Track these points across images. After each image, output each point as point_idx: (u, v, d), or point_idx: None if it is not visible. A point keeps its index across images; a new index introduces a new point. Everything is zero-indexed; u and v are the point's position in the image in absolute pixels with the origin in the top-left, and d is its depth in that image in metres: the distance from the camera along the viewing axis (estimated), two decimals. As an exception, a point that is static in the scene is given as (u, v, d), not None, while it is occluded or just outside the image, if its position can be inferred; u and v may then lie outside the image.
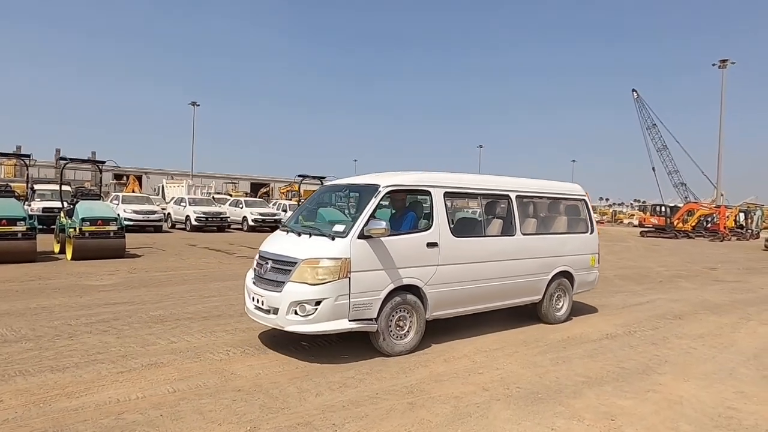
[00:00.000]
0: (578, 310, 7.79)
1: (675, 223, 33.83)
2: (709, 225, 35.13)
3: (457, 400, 4.10)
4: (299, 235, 5.38)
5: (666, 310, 8.22)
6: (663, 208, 36.62)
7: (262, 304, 5.18)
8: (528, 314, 7.21)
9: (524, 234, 6.57)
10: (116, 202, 21.49)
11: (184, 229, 22.76)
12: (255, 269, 5.63)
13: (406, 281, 5.26)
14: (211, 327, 6.13)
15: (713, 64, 45.35)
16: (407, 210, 5.81)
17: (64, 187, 16.42)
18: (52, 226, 14.09)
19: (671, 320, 7.50)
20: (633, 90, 55.41)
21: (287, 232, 5.66)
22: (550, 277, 6.89)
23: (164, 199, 33.16)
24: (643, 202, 64.39)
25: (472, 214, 8.07)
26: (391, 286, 5.14)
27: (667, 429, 3.70)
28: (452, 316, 5.92)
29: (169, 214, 24.37)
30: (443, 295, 5.62)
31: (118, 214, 18.20)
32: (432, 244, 5.49)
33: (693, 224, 34.21)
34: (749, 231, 35.39)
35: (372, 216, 5.11)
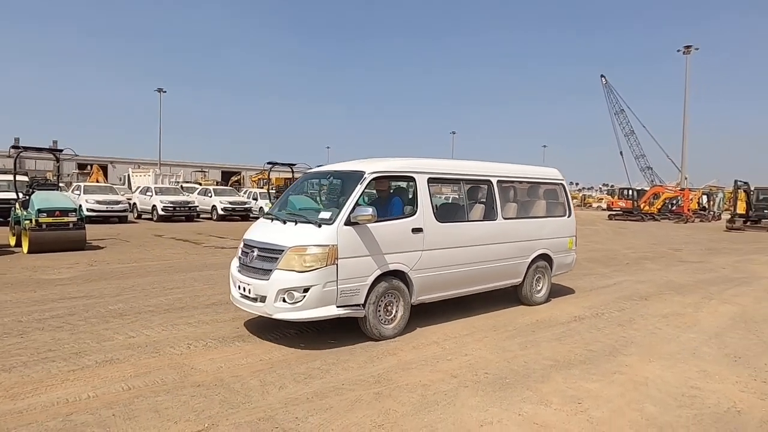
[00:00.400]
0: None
1: (642, 206, 34.69)
2: (673, 207, 36.19)
3: (425, 388, 4.03)
4: (285, 222, 5.36)
5: (632, 292, 8.36)
6: (630, 192, 37.49)
7: (249, 293, 5.15)
8: (498, 298, 7.22)
9: (505, 218, 6.65)
10: (78, 192, 20.71)
11: (150, 219, 22.13)
12: (240, 257, 5.58)
13: (392, 267, 5.30)
14: (173, 320, 5.91)
15: (678, 50, 46.38)
16: (392, 196, 5.82)
17: (21, 177, 15.72)
18: (8, 219, 13.44)
19: (637, 301, 7.62)
20: (602, 76, 56.46)
21: (272, 219, 5.62)
22: (530, 260, 6.99)
23: (130, 188, 32.20)
24: (612, 186, 65.88)
25: (444, 200, 8.05)
26: (378, 272, 5.17)
27: (632, 411, 3.71)
28: (437, 300, 6.00)
29: (134, 204, 23.65)
30: (428, 280, 5.68)
31: (80, 205, 17.60)
32: (417, 230, 5.53)
33: (659, 207, 35.14)
34: (711, 213, 36.62)
35: (358, 203, 5.11)
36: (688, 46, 45.57)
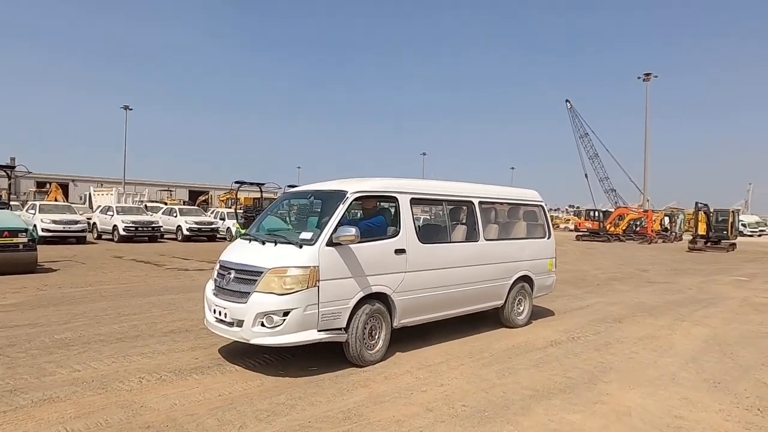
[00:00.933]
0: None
1: (608, 227, 35.46)
2: (638, 228, 37.11)
3: (399, 425, 3.73)
4: (263, 243, 5.12)
5: (605, 314, 8.28)
6: (596, 213, 38.34)
7: (225, 317, 4.87)
8: (472, 322, 7.01)
9: (487, 240, 6.57)
10: (32, 211, 19.72)
11: (111, 239, 21.21)
12: (216, 280, 5.30)
13: (375, 289, 5.12)
14: (126, 350, 5.44)
15: (638, 77, 48.31)
16: (374, 216, 5.66)
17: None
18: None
19: (611, 324, 7.53)
20: (566, 100, 58.13)
21: (250, 240, 5.38)
22: (511, 281, 6.92)
23: (91, 208, 30.97)
24: (577, 207, 67.37)
25: (415, 220, 7.92)
26: (361, 294, 4.98)
27: (618, 445, 3.50)
28: (419, 323, 5.81)
29: (94, 223, 22.68)
30: (411, 303, 5.52)
31: (34, 225, 16.70)
32: (400, 251, 5.38)
33: (624, 228, 36.00)
34: (673, 234, 37.73)
35: (340, 223, 4.91)
36: (647, 74, 47.54)
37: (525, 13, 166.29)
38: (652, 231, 34.83)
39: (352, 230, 4.78)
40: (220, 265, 5.31)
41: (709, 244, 27.13)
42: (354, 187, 5.34)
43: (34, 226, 17.25)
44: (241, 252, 5.26)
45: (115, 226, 21.11)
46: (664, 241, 34.94)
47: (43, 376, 4.59)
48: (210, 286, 5.39)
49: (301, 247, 4.78)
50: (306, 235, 4.95)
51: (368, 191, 5.45)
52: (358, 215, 6.00)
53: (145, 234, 21.52)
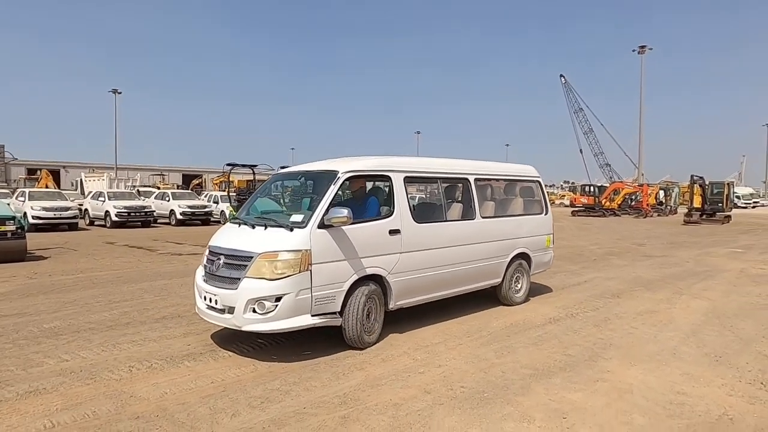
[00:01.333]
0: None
1: (603, 202, 35.37)
2: (633, 203, 37.04)
3: (396, 408, 3.64)
4: (253, 227, 4.98)
5: (603, 289, 8.21)
6: (591, 188, 38.24)
7: (216, 303, 4.76)
8: (469, 300, 6.91)
9: (483, 217, 6.44)
10: (22, 198, 19.42)
11: (103, 225, 20.97)
12: (205, 266, 5.17)
13: (369, 271, 4.99)
14: (116, 338, 5.32)
15: (633, 50, 47.79)
16: (367, 196, 5.52)
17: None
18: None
19: (610, 299, 7.46)
20: (561, 75, 57.64)
21: (239, 224, 5.24)
22: (509, 259, 6.81)
23: (83, 194, 30.61)
24: (573, 183, 67.31)
25: (410, 199, 7.83)
26: (355, 277, 4.86)
27: (621, 424, 3.42)
28: (415, 304, 5.72)
29: (86, 210, 22.38)
30: (407, 284, 5.41)
31: (24, 212, 16.45)
32: (394, 231, 5.24)
33: (619, 202, 35.93)
34: (668, 207, 37.75)
35: (332, 204, 4.76)
36: (642, 47, 47.05)
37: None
38: (647, 205, 34.79)
39: (344, 211, 4.63)
40: (210, 251, 5.18)
41: (704, 217, 27.13)
42: (345, 166, 5.17)
43: (24, 213, 17.01)
44: (230, 236, 5.12)
45: (107, 211, 20.81)
46: (659, 215, 34.94)
47: (29, 367, 4.46)
48: (200, 272, 5.26)
49: (291, 230, 4.64)
50: (297, 217, 4.79)
51: (360, 170, 5.30)
52: (351, 195, 5.84)
53: (138, 219, 21.23)
